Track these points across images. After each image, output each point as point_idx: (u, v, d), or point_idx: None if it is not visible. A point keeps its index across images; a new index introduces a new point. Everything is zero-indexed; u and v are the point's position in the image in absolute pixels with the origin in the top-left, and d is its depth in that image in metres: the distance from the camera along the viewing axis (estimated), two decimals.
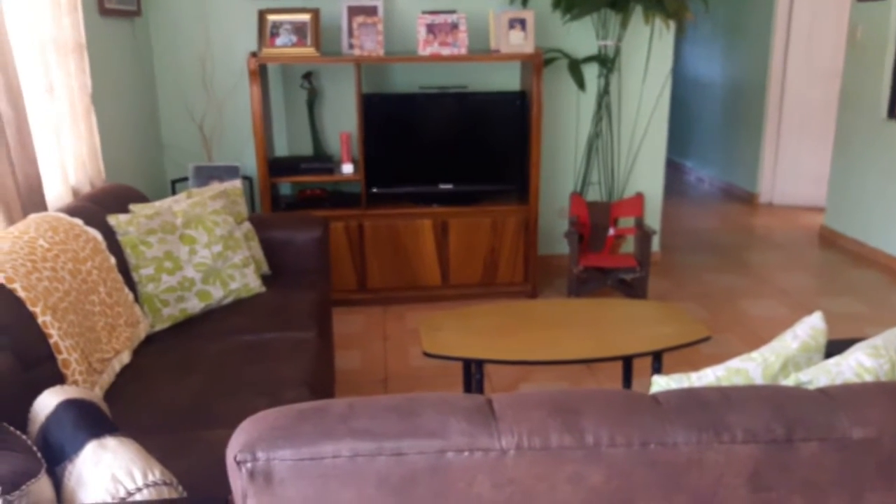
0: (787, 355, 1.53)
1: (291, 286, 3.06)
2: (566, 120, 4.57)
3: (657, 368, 2.78)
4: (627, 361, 3.07)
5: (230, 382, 2.27)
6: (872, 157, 5.07)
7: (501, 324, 2.83)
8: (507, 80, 4.40)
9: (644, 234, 4.08)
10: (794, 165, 6.42)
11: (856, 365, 1.46)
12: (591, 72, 4.47)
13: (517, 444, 1.12)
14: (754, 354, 1.52)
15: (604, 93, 4.36)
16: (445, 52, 3.93)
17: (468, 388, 3.01)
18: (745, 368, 1.48)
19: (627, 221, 4.35)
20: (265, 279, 3.06)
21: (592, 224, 4.26)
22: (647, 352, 2.64)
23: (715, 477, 1.16)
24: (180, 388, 2.22)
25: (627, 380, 3.08)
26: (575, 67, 4.28)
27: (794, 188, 6.45)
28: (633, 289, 4.15)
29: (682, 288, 4.53)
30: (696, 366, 3.46)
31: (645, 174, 4.70)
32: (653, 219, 4.79)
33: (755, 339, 3.78)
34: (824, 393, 1.25)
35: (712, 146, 7.43)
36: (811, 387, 1.40)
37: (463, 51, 3.94)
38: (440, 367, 3.42)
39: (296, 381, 2.30)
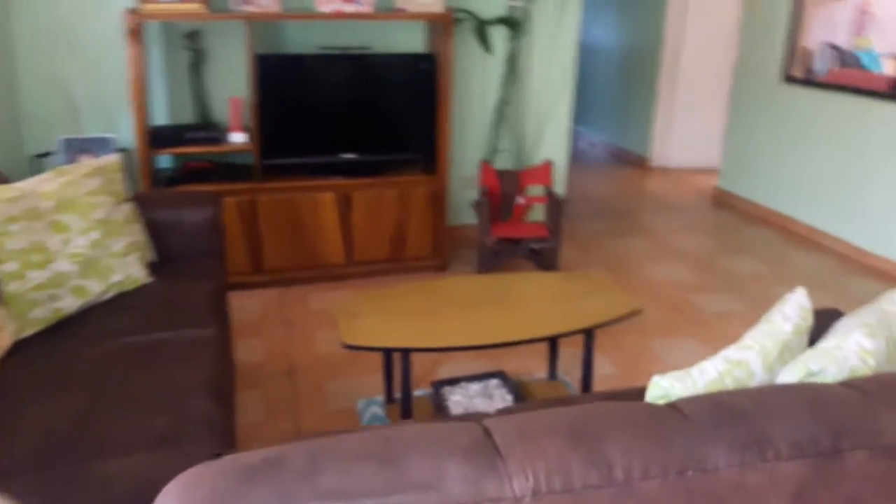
0: (783, 340, 1.38)
1: (183, 275, 2.69)
2: (474, 85, 4.34)
3: (588, 345, 2.64)
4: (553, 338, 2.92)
5: (118, 396, 1.92)
6: (766, 120, 5.16)
7: (423, 305, 2.59)
8: (412, 41, 4.11)
9: (555, 203, 3.94)
10: (686, 129, 6.50)
11: (858, 348, 1.33)
12: (499, 35, 4.25)
13: (533, 488, 0.89)
14: (749, 342, 1.37)
15: (512, 57, 4.15)
16: (349, 8, 3.58)
17: (388, 379, 2.77)
18: (746, 359, 1.31)
19: (535, 190, 4.20)
20: (152, 268, 2.67)
21: (502, 193, 4.07)
22: (581, 329, 2.48)
23: (757, 502, 0.98)
24: (57, 408, 1.84)
25: (553, 356, 2.94)
26: (482, 29, 4.04)
27: (685, 151, 6.55)
28: (544, 258, 4.02)
29: (588, 255, 4.45)
30: (618, 339, 3.37)
31: (551, 141, 4.56)
32: (558, 187, 4.67)
33: (666, 306, 3.74)
34: (859, 390, 1.10)
35: (605, 111, 7.43)
36: (824, 378, 1.25)
37: (368, 8, 3.61)
38: (352, 353, 3.15)
39: (198, 390, 1.98)
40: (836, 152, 4.58)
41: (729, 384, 1.27)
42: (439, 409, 2.61)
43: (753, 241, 4.76)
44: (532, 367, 3.09)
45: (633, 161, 6.85)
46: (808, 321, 1.46)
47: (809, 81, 4.99)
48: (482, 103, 4.38)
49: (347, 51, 3.82)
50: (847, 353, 1.32)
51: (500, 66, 4.31)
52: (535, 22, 4.31)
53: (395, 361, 2.80)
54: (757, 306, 3.77)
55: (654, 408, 1.04)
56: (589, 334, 2.61)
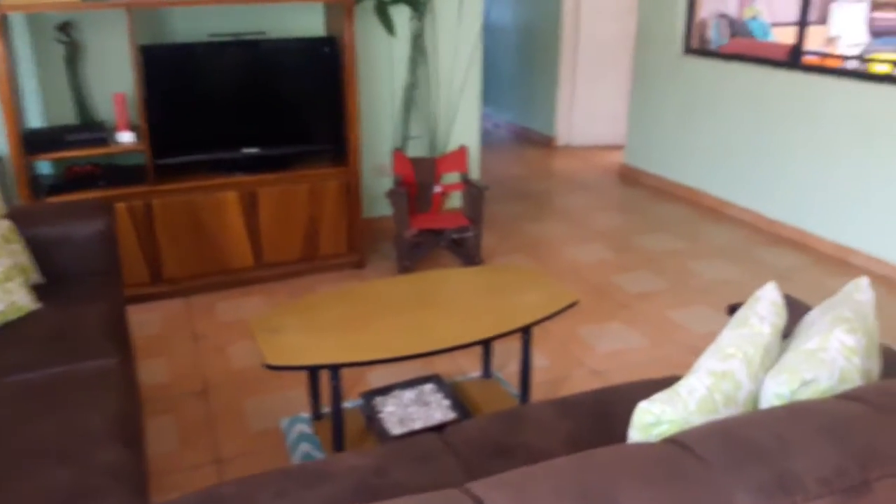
0: (763, 344, 1.28)
1: (75, 297, 2.39)
2: (380, 69, 4.13)
3: (526, 343, 2.52)
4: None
5: (11, 448, 1.65)
6: (670, 93, 5.19)
7: (349, 313, 2.40)
8: (311, 24, 3.85)
9: (474, 190, 3.81)
10: (590, 106, 6.49)
11: (841, 347, 1.24)
12: (402, 15, 4.04)
13: None
14: (731, 349, 1.26)
15: (417, 38, 3.97)
16: None
17: (315, 394, 2.57)
18: (731, 370, 1.20)
19: (452, 177, 4.05)
20: (38, 292, 2.36)
21: (418, 182, 3.90)
22: (520, 327, 2.35)
23: None
24: None
25: (487, 354, 2.81)
26: (383, 9, 3.83)
27: (590, 129, 6.55)
28: (466, 248, 3.88)
29: (507, 240, 4.35)
30: (545, 327, 3.27)
31: (463, 125, 4.41)
32: (473, 173, 4.54)
33: (590, 288, 3.68)
34: (869, 405, 1.00)
35: (507, 91, 7.34)
36: (819, 387, 1.16)
37: None
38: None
39: (104, 433, 1.74)
40: (741, 123, 4.65)
41: (718, 399, 1.16)
42: (372, 421, 2.43)
43: (666, 217, 4.79)
44: (465, 365, 2.95)
45: (539, 141, 6.80)
46: (783, 318, 1.37)
47: (711, 53, 5.04)
48: (390, 88, 4.18)
49: (241, 37, 3.54)
50: (833, 353, 1.23)
51: (406, 48, 4.11)
52: (437, 0, 4.14)
53: (322, 374, 2.60)
54: (678, 283, 3.77)
55: (663, 452, 0.90)
56: (526, 331, 2.49)
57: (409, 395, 2.55)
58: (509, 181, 5.64)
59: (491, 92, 7.65)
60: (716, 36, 5.49)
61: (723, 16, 5.78)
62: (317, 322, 2.34)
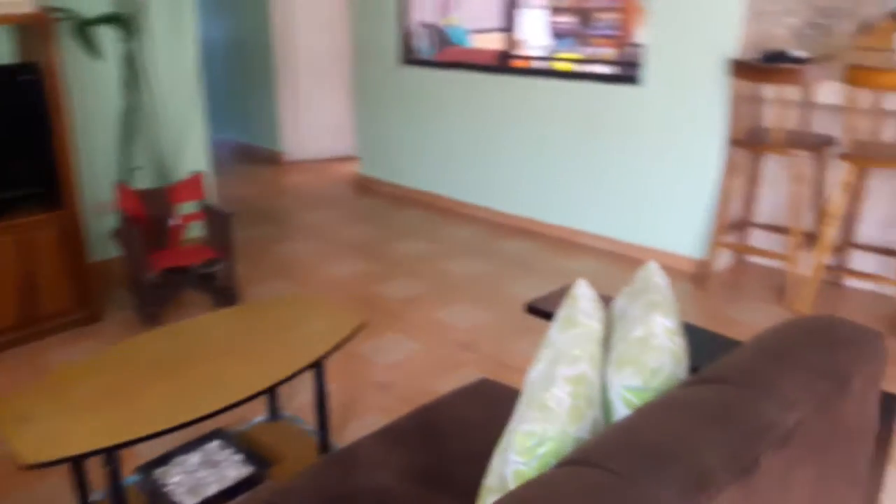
0: (599, 339, 1.31)
1: None
2: (94, 96, 3.64)
3: (319, 376, 2.37)
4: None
5: None
6: (392, 102, 5.29)
7: (110, 383, 2.05)
8: None
9: (218, 217, 3.53)
10: (315, 118, 6.41)
11: (664, 330, 1.31)
12: (110, 36, 3.60)
13: None
14: (576, 352, 1.26)
15: (130, 60, 3.56)
16: None
17: (81, 483, 2.17)
18: (583, 373, 1.20)
19: (188, 206, 3.71)
20: None
21: (150, 216, 3.52)
22: (311, 363, 2.20)
23: None
24: None
25: (272, 393, 2.60)
26: (82, 31, 3.39)
27: (319, 141, 6.47)
28: (218, 283, 3.59)
29: (258, 268, 4.12)
30: (332, 355, 3.13)
31: (193, 149, 4.08)
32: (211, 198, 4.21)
33: (356, 303, 3.61)
34: (730, 384, 1.05)
35: (224, 108, 6.98)
36: (664, 373, 1.20)
37: None
38: (8, 460, 2.43)
39: None
40: (464, 126, 4.88)
41: (582, 405, 1.15)
42: (157, 498, 2.12)
43: (408, 223, 4.88)
44: (247, 411, 2.71)
45: (265, 157, 6.57)
46: (603, 311, 1.41)
47: (427, 61, 5.23)
48: (105, 116, 3.72)
49: None
50: (661, 339, 1.29)
51: (119, 72, 3.69)
52: (149, 18, 3.77)
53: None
54: (436, 284, 3.84)
55: (578, 477, 0.85)
56: (318, 365, 2.34)
57: (193, 458, 2.27)
58: (244, 203, 5.36)
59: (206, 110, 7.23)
60: (423, 45, 5.71)
61: (426, 25, 6.04)
62: (73, 400, 1.97)
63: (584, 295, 1.42)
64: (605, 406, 1.24)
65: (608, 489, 0.82)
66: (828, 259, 3.47)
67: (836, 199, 3.30)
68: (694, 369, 1.30)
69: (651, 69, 3.89)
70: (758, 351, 1.14)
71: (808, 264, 3.48)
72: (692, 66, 3.72)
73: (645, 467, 0.86)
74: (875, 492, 1.32)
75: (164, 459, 2.25)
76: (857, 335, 1.15)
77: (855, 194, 3.50)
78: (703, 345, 1.38)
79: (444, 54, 5.90)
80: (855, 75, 3.09)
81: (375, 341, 3.24)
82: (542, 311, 1.85)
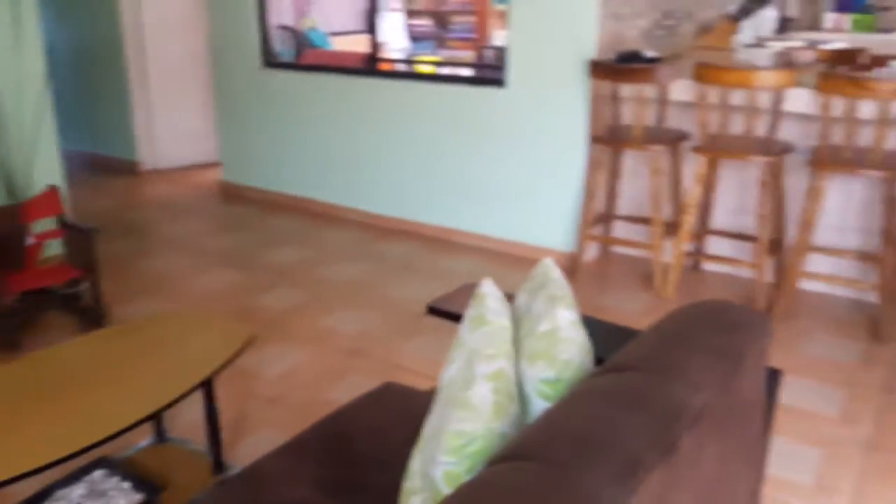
0: (510, 337, 1.35)
1: None
2: None
3: (209, 397, 2.28)
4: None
5: None
6: (257, 106, 5.16)
7: None
8: None
9: (79, 233, 3.31)
10: (173, 125, 6.12)
11: (569, 323, 1.37)
12: None
13: None
14: (490, 350, 1.29)
15: None
16: None
17: None
18: (501, 369, 1.24)
19: (45, 223, 3.46)
20: None
21: (1, 236, 3.24)
22: (200, 382, 2.12)
23: None
24: None
25: (158, 422, 2.47)
26: None
27: (178, 149, 6.18)
28: (83, 303, 3.37)
29: (126, 285, 3.89)
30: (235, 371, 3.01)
31: (41, 163, 3.79)
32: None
33: (239, 315, 3.50)
34: (641, 371, 1.11)
35: (74, 118, 6.51)
36: (574, 363, 1.26)
37: None
38: None
39: None
40: (334, 129, 4.84)
41: (503, 400, 1.18)
42: None
43: (281, 229, 4.78)
44: (131, 434, 2.55)
45: (120, 167, 6.20)
46: (509, 307, 1.45)
47: (291, 64, 5.14)
48: None
49: None
50: (567, 331, 1.35)
51: None
52: None
53: None
54: (316, 291, 3.79)
55: (518, 470, 0.88)
56: (207, 384, 2.25)
57: (77, 490, 2.13)
58: (102, 217, 5.04)
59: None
60: (282, 48, 5.61)
61: (284, 27, 5.93)
62: None
63: (490, 294, 1.46)
64: (522, 400, 1.28)
65: (550, 480, 0.86)
66: (687, 246, 3.73)
67: (692, 189, 3.55)
68: (598, 359, 1.37)
69: (514, 71, 4.02)
70: (660, 337, 1.22)
71: (670, 252, 3.72)
72: (553, 67, 3.87)
73: (579, 456, 0.90)
74: (762, 462, 1.44)
75: (44, 495, 2.09)
76: (748, 317, 1.25)
77: (708, 184, 3.78)
78: (601, 335, 1.45)
79: (306, 57, 5.82)
80: (703, 73, 3.34)
81: (259, 354, 3.15)
82: (444, 311, 1.88)
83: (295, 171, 5.12)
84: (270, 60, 5.05)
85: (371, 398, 1.90)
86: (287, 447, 1.72)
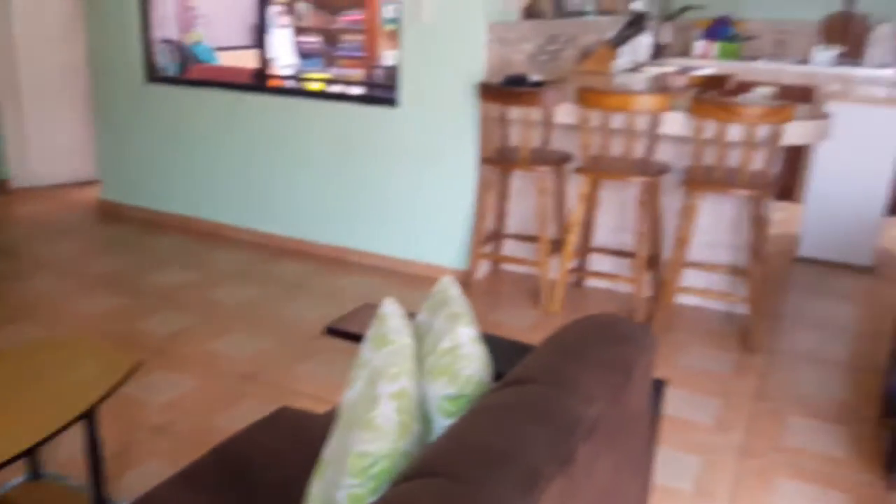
0: (412, 354, 1.36)
1: None
2: None
3: (92, 429, 2.16)
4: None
5: None
6: (140, 122, 4.97)
7: None
8: None
9: None
10: (48, 141, 5.77)
11: (469, 339, 1.41)
12: None
13: None
14: (393, 370, 1.30)
15: None
16: None
17: None
18: (403, 388, 1.25)
19: None
20: None
21: None
22: (87, 409, 2.01)
23: None
24: None
25: (33, 457, 2.32)
26: None
27: (54, 166, 5.84)
28: None
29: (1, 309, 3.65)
30: (118, 400, 2.85)
31: None
32: None
33: (121, 342, 3.35)
34: (539, 384, 1.15)
35: None
36: (474, 378, 1.29)
37: None
38: None
39: None
40: (221, 146, 4.72)
41: (408, 420, 1.19)
42: None
43: (165, 250, 4.60)
44: (2, 471, 2.39)
45: None
46: (411, 326, 1.47)
47: (177, 79, 4.99)
48: None
49: None
50: (468, 348, 1.38)
51: None
52: None
53: None
54: (205, 315, 3.68)
55: (425, 488, 0.90)
56: (90, 415, 2.13)
57: None
58: None
59: None
60: (166, 62, 5.44)
61: (168, 41, 5.75)
62: None
63: (392, 313, 1.47)
64: (425, 418, 1.30)
65: (455, 496, 0.88)
66: (572, 263, 3.88)
67: (576, 209, 3.70)
68: (497, 374, 1.40)
69: (406, 91, 4.07)
70: (556, 351, 1.27)
71: (556, 268, 3.85)
72: (444, 88, 3.95)
73: (484, 470, 0.92)
74: (649, 472, 1.52)
75: None
76: (635, 330, 1.33)
77: (591, 204, 3.95)
78: (499, 350, 1.49)
79: (192, 72, 5.66)
80: (585, 97, 3.50)
81: (144, 381, 3.02)
82: (343, 332, 1.87)
83: (181, 189, 4.95)
84: (154, 75, 4.89)
85: (266, 423, 1.86)
86: (180, 476, 1.66)
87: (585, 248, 4.07)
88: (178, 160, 4.90)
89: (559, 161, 3.81)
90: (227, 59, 6.72)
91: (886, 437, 2.76)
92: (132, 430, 2.69)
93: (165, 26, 5.67)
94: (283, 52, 7.80)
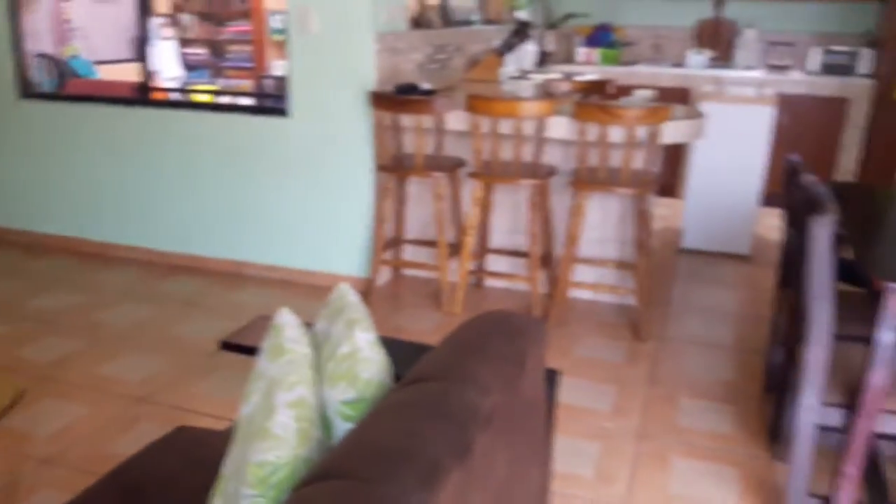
0: (310, 363, 1.37)
1: None
2: None
3: None
4: None
5: None
6: (13, 141, 4.71)
7: None
8: None
9: None
10: None
11: (367, 344, 1.42)
12: None
13: None
14: (292, 378, 1.30)
15: None
16: None
17: None
18: (302, 397, 1.25)
19: None
20: None
21: None
22: None
23: None
24: None
25: None
26: None
27: None
28: None
29: None
30: (1, 432, 2.68)
31: None
32: None
33: (18, 374, 3.15)
34: (440, 380, 1.18)
35: None
36: (374, 381, 1.30)
37: None
38: None
39: None
40: (105, 163, 4.54)
41: (307, 427, 1.19)
42: None
43: (49, 273, 4.38)
44: None
45: None
46: (307, 335, 1.47)
47: (54, 95, 4.76)
48: None
49: None
50: (367, 352, 1.39)
51: None
52: None
53: None
54: (94, 338, 3.52)
55: (327, 490, 0.90)
56: None
57: None
58: None
59: None
60: (42, 77, 5.18)
61: (43, 55, 5.48)
62: None
63: (288, 323, 1.46)
64: (324, 424, 1.30)
65: (357, 496, 0.89)
66: (470, 265, 3.95)
67: (471, 212, 3.77)
68: (397, 376, 1.42)
69: (296, 101, 4.04)
70: (452, 348, 1.30)
71: (455, 271, 3.91)
72: (335, 98, 3.94)
73: (385, 468, 0.94)
74: (549, 459, 1.58)
75: None
76: (527, 324, 1.38)
77: (485, 207, 4.03)
78: (399, 353, 1.51)
79: (70, 87, 5.41)
80: (475, 104, 3.57)
81: (29, 411, 2.86)
82: (238, 345, 1.85)
83: (62, 209, 4.72)
84: (28, 91, 4.65)
85: (163, 444, 1.81)
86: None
87: (483, 250, 4.15)
88: (57, 179, 4.67)
89: (453, 167, 3.87)
90: (107, 73, 6.46)
91: (769, 413, 2.95)
92: (20, 463, 2.55)
93: (39, 40, 5.40)
94: (167, 65, 7.57)
